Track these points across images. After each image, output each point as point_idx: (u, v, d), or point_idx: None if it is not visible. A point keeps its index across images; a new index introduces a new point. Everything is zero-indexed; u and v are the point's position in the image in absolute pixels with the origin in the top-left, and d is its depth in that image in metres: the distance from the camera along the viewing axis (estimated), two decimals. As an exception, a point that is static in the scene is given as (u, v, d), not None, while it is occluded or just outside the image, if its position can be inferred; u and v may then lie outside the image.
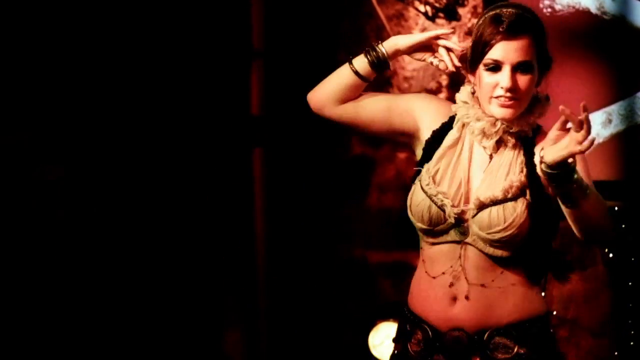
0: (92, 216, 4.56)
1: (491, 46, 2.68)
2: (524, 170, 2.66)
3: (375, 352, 4.47)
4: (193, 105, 4.88)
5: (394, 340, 2.84)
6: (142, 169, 4.72)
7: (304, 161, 5.11)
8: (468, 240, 2.67)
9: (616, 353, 4.48)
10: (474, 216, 2.65)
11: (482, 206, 2.64)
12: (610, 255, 4.47)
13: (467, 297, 2.67)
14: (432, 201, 2.67)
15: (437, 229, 2.69)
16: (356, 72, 2.86)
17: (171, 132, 4.81)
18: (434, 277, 2.71)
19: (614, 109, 4.38)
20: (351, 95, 2.87)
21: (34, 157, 4.41)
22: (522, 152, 2.70)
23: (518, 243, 2.65)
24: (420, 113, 2.81)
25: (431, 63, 2.84)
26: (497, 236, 2.62)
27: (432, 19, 5.07)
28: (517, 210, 2.63)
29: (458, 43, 2.84)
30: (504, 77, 2.65)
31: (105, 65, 4.58)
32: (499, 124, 2.68)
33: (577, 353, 4.61)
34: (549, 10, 4.57)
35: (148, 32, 4.71)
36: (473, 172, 2.72)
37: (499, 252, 2.65)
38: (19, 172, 4.36)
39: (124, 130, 4.66)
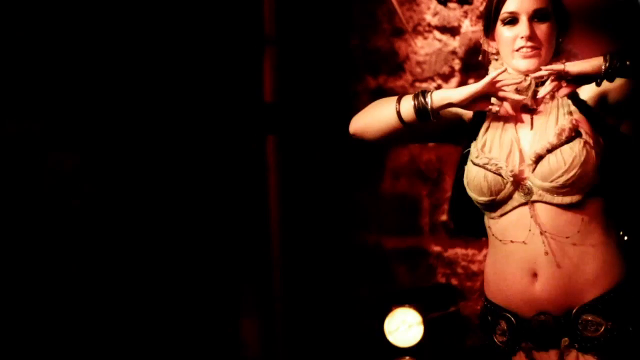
0: (107, 205, 4.57)
1: (504, 1, 2.71)
2: (572, 113, 2.65)
3: (390, 337, 4.47)
4: (206, 94, 4.88)
5: (482, 332, 2.83)
6: (156, 158, 4.72)
7: (318, 148, 5.10)
8: (535, 197, 2.64)
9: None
10: (533, 171, 2.64)
11: (539, 158, 2.64)
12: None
13: (548, 255, 2.61)
14: (486, 169, 2.67)
15: (499, 197, 2.67)
16: (399, 113, 2.78)
17: (184, 121, 4.81)
18: (510, 252, 2.67)
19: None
20: (392, 135, 2.82)
21: (49, 146, 4.42)
22: (564, 98, 2.69)
23: (586, 184, 2.62)
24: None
25: (490, 110, 2.77)
26: (562, 180, 2.60)
27: (444, 3, 5.05)
28: (575, 150, 2.61)
29: (514, 77, 2.75)
30: (522, 27, 2.68)
31: (119, 54, 4.58)
32: (529, 78, 2.69)
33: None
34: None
35: (160, 21, 4.70)
36: (522, 134, 2.73)
37: (568, 199, 2.62)
38: (33, 161, 4.37)
39: (138, 119, 4.66)
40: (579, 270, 2.64)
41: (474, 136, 2.76)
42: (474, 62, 4.95)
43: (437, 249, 5.20)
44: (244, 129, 5.02)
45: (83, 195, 4.49)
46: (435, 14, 5.11)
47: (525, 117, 2.73)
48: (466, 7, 5.02)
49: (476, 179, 2.69)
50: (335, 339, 5.15)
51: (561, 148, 2.62)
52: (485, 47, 2.86)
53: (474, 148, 2.72)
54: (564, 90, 2.62)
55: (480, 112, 2.77)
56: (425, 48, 5.15)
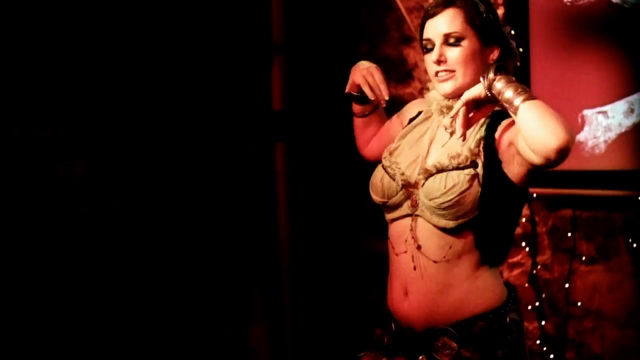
0: (116, 212, 4.58)
1: (422, 29, 2.79)
2: (481, 143, 2.65)
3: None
4: (215, 101, 4.89)
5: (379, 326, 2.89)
6: (165, 165, 4.73)
7: (326, 155, 5.11)
8: (418, 212, 2.69)
9: (642, 343, 4.48)
10: (422, 185, 2.67)
11: (429, 174, 2.67)
12: (635, 245, 4.46)
13: (416, 272, 2.67)
14: (386, 172, 2.75)
15: (391, 201, 2.73)
16: (352, 113, 3.07)
17: (194, 128, 4.82)
18: (394, 261, 2.77)
19: (636, 98, 4.37)
20: (362, 133, 3.10)
21: (59, 153, 4.43)
22: (484, 128, 2.69)
23: (462, 214, 2.62)
24: (404, 115, 2.99)
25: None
26: (438, 202, 2.62)
27: (452, 10, 5.05)
28: (460, 178, 2.62)
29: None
30: (435, 51, 2.73)
31: (129, 63, 4.60)
32: (449, 100, 2.76)
33: (602, 344, 4.60)
34: (570, 0, 4.55)
35: (170, 28, 4.72)
36: (433, 149, 2.77)
37: (443, 222, 2.63)
38: (43, 169, 4.39)
39: (147, 127, 4.68)
40: (443, 294, 2.67)
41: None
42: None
43: (445, 256, 5.20)
44: (253, 136, 5.03)
45: (92, 203, 4.51)
46: (444, 21, 5.11)
47: (444, 135, 2.76)
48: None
49: (375, 178, 2.78)
50: (344, 345, 5.15)
51: (449, 172, 2.63)
52: None
53: (387, 151, 2.81)
54: (465, 117, 2.66)
55: (411, 121, 2.89)
56: (433, 55, 5.15)
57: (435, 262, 2.67)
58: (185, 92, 4.80)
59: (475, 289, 2.69)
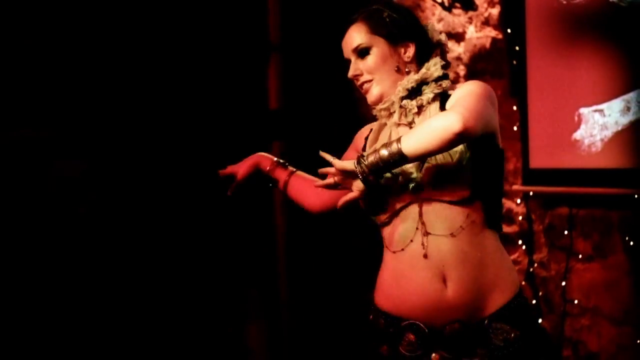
0: (113, 212, 4.58)
1: (342, 49, 2.88)
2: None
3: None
4: (211, 100, 4.89)
5: (375, 343, 2.79)
6: (163, 165, 4.73)
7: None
8: (424, 195, 2.67)
9: (639, 341, 4.47)
10: (420, 170, 2.67)
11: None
12: (631, 243, 4.46)
13: (454, 257, 2.64)
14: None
15: (391, 195, 2.71)
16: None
17: (190, 127, 4.82)
18: (412, 258, 2.68)
19: (633, 96, 4.37)
20: (302, 194, 3.12)
21: (56, 153, 4.43)
22: (437, 103, 2.76)
23: (467, 180, 2.66)
24: (357, 142, 2.97)
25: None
26: (450, 176, 2.65)
27: (448, 9, 5.06)
28: (458, 149, 2.65)
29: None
30: (350, 67, 2.84)
31: (126, 63, 4.60)
32: (385, 104, 2.79)
33: (599, 341, 4.61)
34: (566, -2, 4.57)
35: (166, 28, 4.72)
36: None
37: (456, 196, 2.64)
38: (40, 168, 4.39)
39: (144, 127, 4.68)
40: (481, 274, 2.66)
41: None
42: (478, 68, 4.96)
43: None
44: (250, 135, 5.03)
45: (89, 202, 4.51)
46: (440, 20, 5.12)
47: (404, 130, 2.77)
48: (471, 13, 5.02)
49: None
50: (341, 344, 5.15)
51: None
52: None
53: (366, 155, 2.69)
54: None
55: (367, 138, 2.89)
56: (430, 54, 5.16)
57: (462, 241, 2.66)
58: (183, 91, 4.80)
59: (504, 265, 2.71)
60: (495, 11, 4.92)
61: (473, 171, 2.65)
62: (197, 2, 4.86)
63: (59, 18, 4.41)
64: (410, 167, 2.67)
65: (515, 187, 4.86)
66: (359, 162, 2.59)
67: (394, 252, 2.72)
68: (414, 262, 2.67)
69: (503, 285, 2.68)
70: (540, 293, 4.79)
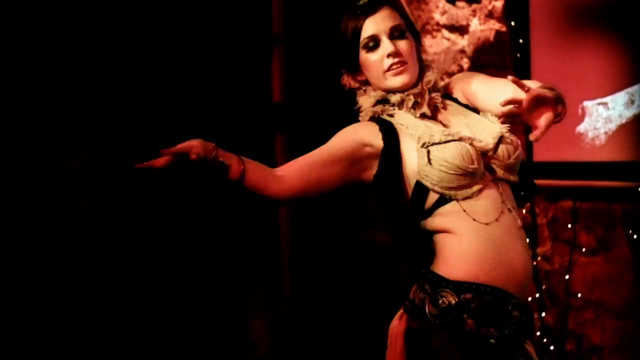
0: (116, 206, 4.58)
1: (360, 28, 2.79)
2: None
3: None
4: (215, 93, 4.89)
5: (478, 324, 2.67)
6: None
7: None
8: (499, 175, 2.71)
9: (642, 334, 4.48)
10: (495, 151, 2.70)
11: (500, 138, 2.71)
12: (635, 236, 4.46)
13: (519, 232, 2.70)
14: (462, 141, 2.68)
15: (474, 169, 2.65)
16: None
17: (194, 122, 4.82)
18: (491, 233, 2.65)
19: (637, 89, 4.37)
20: (262, 181, 2.92)
21: (57, 147, 4.43)
22: (446, 101, 2.81)
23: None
24: (362, 139, 2.81)
25: None
26: (520, 157, 2.73)
27: (452, 2, 5.06)
28: (513, 137, 2.74)
29: None
30: (386, 46, 2.75)
31: (129, 57, 4.59)
32: (417, 90, 2.77)
33: (602, 335, 4.61)
34: (570, -9, 4.56)
35: (169, 21, 4.71)
36: (461, 125, 2.78)
37: (515, 178, 2.73)
38: (41, 162, 4.38)
39: (147, 121, 4.67)
40: (529, 254, 2.75)
41: (394, 156, 2.73)
42: (482, 61, 4.96)
43: (446, 247, 5.20)
44: (253, 128, 5.03)
45: (91, 197, 4.50)
46: (444, 12, 5.11)
47: (433, 121, 2.78)
48: (475, 5, 5.02)
49: (462, 148, 2.65)
50: (344, 338, 5.15)
51: (505, 135, 2.73)
52: (348, 83, 2.92)
53: (431, 133, 2.69)
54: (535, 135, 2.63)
55: (389, 134, 2.77)
56: (433, 47, 5.15)
57: (520, 222, 2.73)
58: (185, 84, 4.79)
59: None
60: (499, 4, 4.91)
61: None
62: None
63: (61, 12, 4.41)
64: (488, 145, 2.70)
65: (518, 180, 4.86)
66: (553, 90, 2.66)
67: (487, 223, 2.66)
68: (512, 232, 2.68)
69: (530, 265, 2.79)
70: (544, 286, 4.79)
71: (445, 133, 2.69)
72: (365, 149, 2.78)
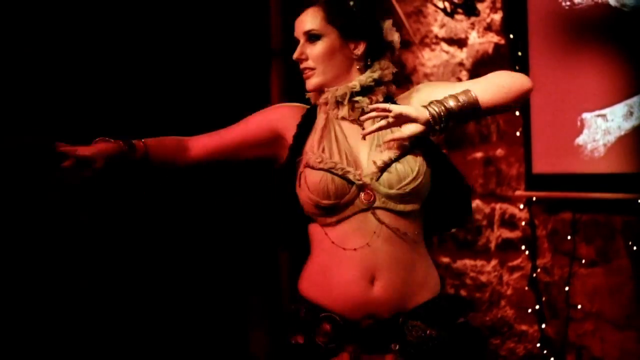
0: (116, 219, 4.58)
1: (293, 31, 2.91)
2: (402, 126, 2.71)
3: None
4: (213, 105, 4.89)
5: (292, 332, 2.82)
6: (165, 170, 4.73)
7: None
8: (377, 204, 2.71)
9: (642, 346, 4.47)
10: (377, 179, 2.71)
11: (384, 166, 2.71)
12: (634, 248, 4.46)
13: (387, 260, 2.70)
14: (332, 173, 2.71)
15: (343, 200, 2.72)
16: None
17: (192, 133, 4.82)
18: (347, 257, 2.71)
19: (635, 101, 4.37)
20: (164, 153, 3.05)
21: (56, 160, 4.43)
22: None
23: (424, 194, 2.74)
24: (277, 121, 2.90)
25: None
26: (409, 188, 2.70)
27: (451, 15, 5.06)
28: (417, 159, 2.73)
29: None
30: (296, 50, 2.87)
31: (128, 67, 4.60)
32: (328, 94, 2.79)
33: (603, 346, 4.60)
34: (568, 3, 4.56)
35: (169, 33, 4.72)
36: (353, 143, 2.79)
37: (410, 207, 2.72)
38: (41, 176, 4.38)
39: (148, 132, 4.68)
40: (411, 276, 2.73)
41: (298, 149, 2.80)
42: (481, 74, 4.95)
43: (445, 260, 5.20)
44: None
45: (91, 210, 4.50)
46: (443, 25, 5.12)
47: (352, 129, 2.80)
48: (473, 18, 5.03)
49: (322, 182, 2.70)
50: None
51: (404, 158, 2.72)
52: None
53: (314, 155, 2.75)
54: (394, 136, 2.71)
55: (303, 127, 2.84)
56: (432, 60, 5.16)
57: (401, 247, 2.72)
58: (185, 96, 4.80)
59: (431, 268, 2.81)
60: (497, 17, 4.92)
61: (430, 186, 2.74)
62: (200, 8, 4.86)
63: (61, 24, 4.42)
64: (369, 174, 2.71)
65: (518, 192, 4.86)
66: (429, 108, 2.66)
67: (354, 249, 2.72)
68: (365, 260, 2.72)
69: (427, 286, 2.76)
70: (544, 298, 4.79)
71: (319, 159, 2.73)
72: (279, 140, 2.86)
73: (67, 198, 4.43)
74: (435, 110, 2.67)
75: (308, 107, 2.90)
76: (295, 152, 2.80)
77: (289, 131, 2.85)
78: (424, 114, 2.66)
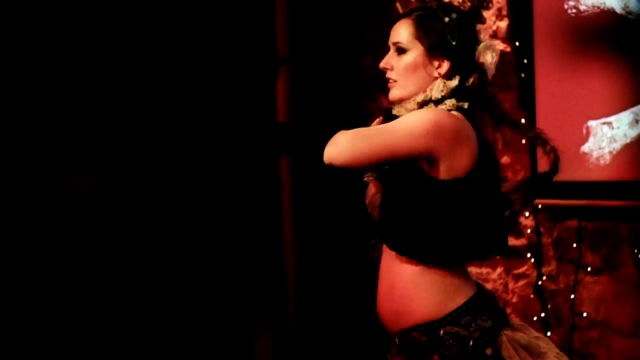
0: (122, 225, 4.58)
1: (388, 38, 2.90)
2: None
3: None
4: (220, 113, 4.90)
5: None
6: (171, 178, 4.74)
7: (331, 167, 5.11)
8: None
9: (648, 354, 4.47)
10: None
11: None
12: (640, 255, 4.46)
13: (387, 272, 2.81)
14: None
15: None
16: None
17: (198, 140, 4.83)
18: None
19: (641, 109, 4.38)
20: None
21: (64, 167, 4.44)
22: None
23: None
24: (432, 149, 2.79)
25: None
26: (368, 205, 3.00)
27: (456, 22, 5.06)
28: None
29: None
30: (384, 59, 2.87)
31: (133, 75, 4.61)
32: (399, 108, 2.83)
33: (609, 354, 4.60)
34: (574, 11, 4.56)
35: (175, 41, 4.73)
36: None
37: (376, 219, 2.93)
38: (48, 182, 4.39)
39: (153, 140, 4.69)
40: (404, 299, 2.79)
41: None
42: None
43: (451, 267, 5.20)
44: (258, 148, 5.04)
45: (98, 216, 4.51)
46: (448, 33, 5.12)
47: None
48: (479, 26, 5.01)
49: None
50: (350, 356, 5.14)
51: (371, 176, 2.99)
52: None
53: None
54: None
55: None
56: (438, 67, 5.16)
57: (400, 268, 2.81)
58: (191, 104, 4.80)
59: (435, 293, 2.80)
60: (503, 24, 4.92)
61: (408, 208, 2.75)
62: (206, 16, 4.87)
63: (67, 32, 4.43)
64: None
65: (523, 199, 4.85)
66: None
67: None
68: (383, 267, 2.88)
69: (423, 311, 2.76)
70: (549, 306, 4.78)
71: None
72: (431, 155, 2.72)
73: (74, 203, 4.44)
74: None
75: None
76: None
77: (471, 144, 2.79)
78: None
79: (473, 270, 5.09)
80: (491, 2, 4.97)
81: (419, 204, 2.71)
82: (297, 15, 5.15)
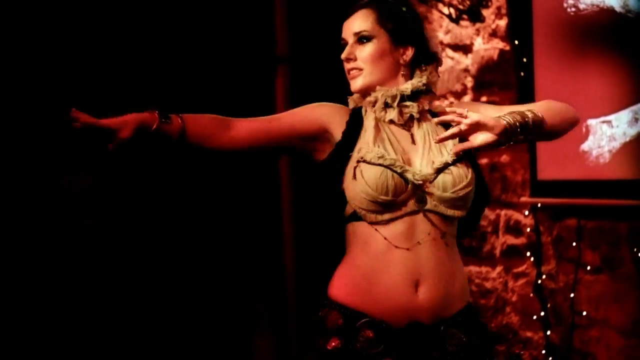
0: (121, 225, 4.58)
1: (341, 31, 2.88)
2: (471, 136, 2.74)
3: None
4: (219, 113, 4.89)
5: (323, 338, 2.87)
6: (170, 177, 4.74)
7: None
8: (428, 206, 2.71)
9: (648, 353, 4.47)
10: (432, 181, 2.71)
11: (439, 169, 2.72)
12: (640, 254, 4.46)
13: (432, 265, 2.69)
14: (392, 170, 2.70)
15: (399, 199, 2.70)
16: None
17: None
18: (393, 260, 2.71)
19: (641, 107, 4.38)
20: (211, 136, 3.01)
21: (62, 166, 4.44)
22: (434, 124, 2.81)
23: (470, 200, 2.76)
24: (325, 124, 2.83)
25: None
26: (462, 193, 2.71)
27: (456, 21, 5.07)
28: (469, 168, 2.75)
29: None
30: (344, 51, 2.84)
31: (132, 74, 4.61)
32: (378, 94, 2.79)
33: (608, 353, 4.60)
34: (573, 9, 4.56)
35: (174, 41, 4.73)
36: (405, 145, 2.79)
37: (458, 212, 2.74)
38: (47, 182, 4.39)
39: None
40: (450, 283, 2.73)
41: (350, 145, 2.77)
42: (486, 80, 4.97)
43: (450, 266, 5.20)
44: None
45: (98, 215, 4.51)
46: (448, 32, 5.12)
47: (401, 132, 2.81)
48: (478, 24, 5.03)
49: (381, 177, 2.68)
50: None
51: (458, 164, 2.73)
52: None
53: (371, 152, 2.72)
54: (463, 145, 2.72)
55: (353, 125, 2.82)
56: (437, 66, 5.16)
57: (445, 252, 2.72)
58: (190, 103, 4.80)
59: (466, 276, 2.83)
60: (502, 23, 4.92)
61: (475, 193, 2.76)
62: (205, 15, 4.87)
63: (67, 31, 4.43)
64: (424, 175, 2.71)
65: (523, 199, 4.86)
66: (504, 118, 2.69)
67: (397, 247, 2.71)
68: (408, 264, 2.71)
69: (463, 293, 2.77)
70: (549, 305, 4.79)
71: (379, 155, 2.71)
72: (325, 134, 2.81)
73: (73, 202, 4.44)
74: (511, 121, 2.70)
75: (352, 108, 2.89)
76: (346, 147, 2.77)
77: (337, 128, 2.81)
78: (500, 124, 2.68)
79: (473, 269, 5.10)
80: (491, 0, 4.97)
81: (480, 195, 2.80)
82: (297, 14, 5.15)
